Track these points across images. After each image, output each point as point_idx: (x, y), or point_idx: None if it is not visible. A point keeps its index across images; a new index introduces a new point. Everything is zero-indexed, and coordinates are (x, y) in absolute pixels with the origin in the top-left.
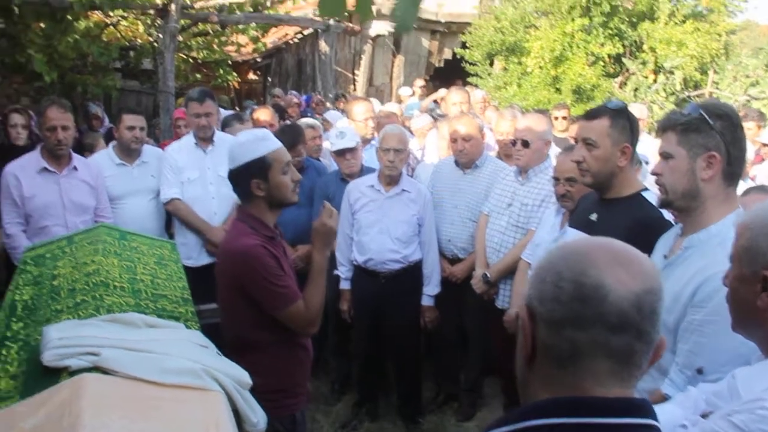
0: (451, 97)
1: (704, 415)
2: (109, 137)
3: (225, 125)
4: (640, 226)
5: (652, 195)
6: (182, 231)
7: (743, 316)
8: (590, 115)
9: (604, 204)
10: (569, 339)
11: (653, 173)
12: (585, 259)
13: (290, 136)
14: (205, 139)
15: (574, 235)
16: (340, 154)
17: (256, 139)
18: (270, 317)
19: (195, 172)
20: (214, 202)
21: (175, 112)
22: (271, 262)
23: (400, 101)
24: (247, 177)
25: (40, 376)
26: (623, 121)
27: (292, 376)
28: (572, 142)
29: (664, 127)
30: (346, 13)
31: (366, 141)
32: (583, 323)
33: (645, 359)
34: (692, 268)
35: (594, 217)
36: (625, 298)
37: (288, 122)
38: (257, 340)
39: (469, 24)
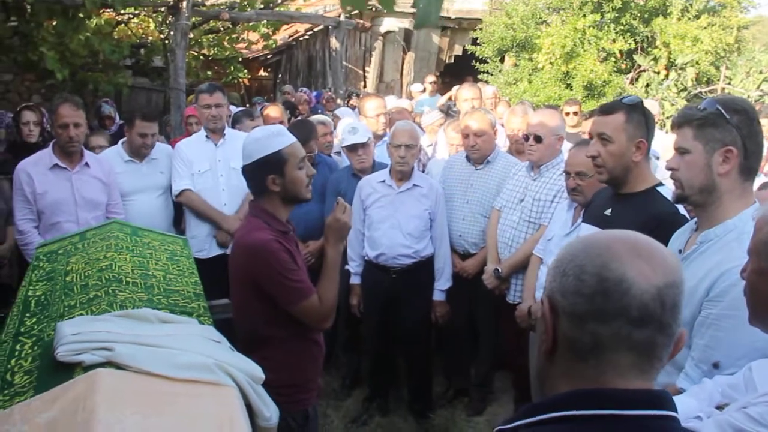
0: (463, 93)
1: (719, 407)
2: (119, 135)
3: (235, 122)
4: (656, 221)
5: (667, 190)
6: (192, 224)
7: (761, 309)
8: (605, 110)
9: (618, 199)
10: (592, 332)
11: (669, 168)
12: (607, 252)
13: (302, 132)
14: (215, 132)
15: (588, 231)
16: (351, 149)
17: (272, 134)
18: (284, 312)
19: (205, 164)
20: (224, 194)
21: (187, 109)
22: (285, 257)
23: (411, 97)
24: (262, 172)
25: (54, 372)
26: (638, 116)
27: (304, 371)
28: (584, 137)
29: (680, 122)
30: (356, 11)
31: (378, 137)
32: (606, 317)
33: (666, 352)
34: (708, 263)
35: (609, 212)
36: (647, 291)
37: (299, 118)
38: (271, 335)
39: (479, 20)
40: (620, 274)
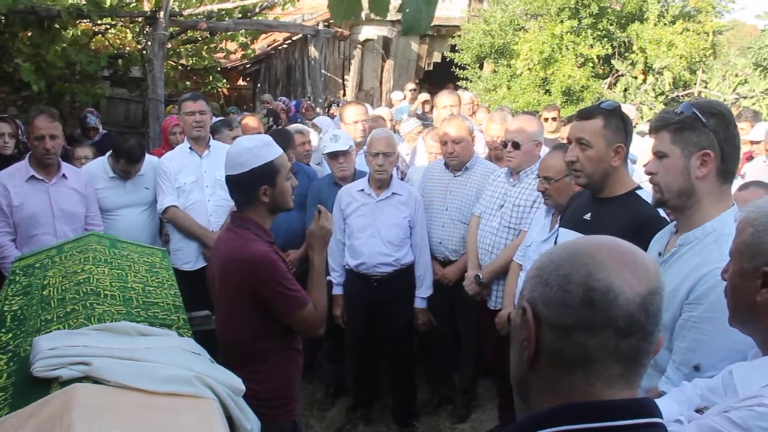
0: (441, 100)
1: (699, 410)
2: (102, 145)
3: (214, 131)
4: (636, 225)
5: (646, 193)
6: (177, 237)
7: (741, 311)
8: (583, 115)
9: (597, 203)
10: (578, 344)
11: (647, 172)
12: (592, 261)
13: (280, 141)
14: (199, 141)
15: (567, 236)
16: (333, 157)
17: (264, 144)
18: (276, 324)
19: (191, 176)
20: (210, 205)
21: (168, 119)
22: (283, 267)
23: (391, 105)
24: (255, 182)
25: (30, 388)
26: (617, 120)
27: (292, 381)
28: (563, 142)
29: (657, 127)
30: (351, 19)
31: (358, 145)
32: (593, 328)
33: (649, 359)
34: (687, 266)
35: (588, 216)
36: (632, 301)
37: (278, 128)
38: (262, 348)
39: (458, 27)
40: (607, 284)
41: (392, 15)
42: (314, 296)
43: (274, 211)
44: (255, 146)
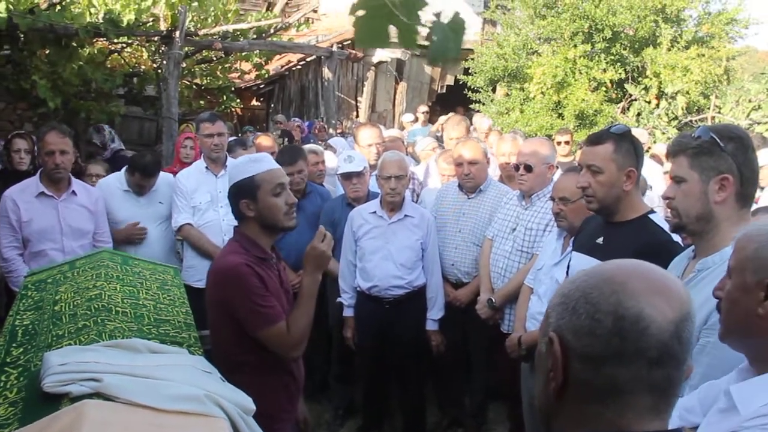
0: (449, 132)
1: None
2: (116, 161)
3: (229, 151)
4: (649, 249)
5: (659, 217)
6: (190, 254)
7: (740, 325)
8: (593, 141)
9: (610, 227)
10: (608, 375)
11: (665, 197)
12: (621, 288)
13: (290, 154)
14: (216, 163)
15: (579, 260)
16: (347, 177)
17: (249, 161)
18: (251, 339)
19: (206, 196)
20: (224, 225)
21: (182, 134)
22: (254, 281)
23: (403, 128)
24: (237, 197)
25: (41, 403)
26: (627, 144)
27: (276, 400)
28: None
29: (675, 151)
30: (348, 41)
31: (372, 167)
32: (623, 359)
33: (680, 387)
34: (706, 291)
35: (600, 240)
36: (665, 329)
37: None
38: (242, 361)
39: (471, 50)
40: (637, 312)
41: None
42: (293, 317)
43: (266, 227)
44: (241, 162)
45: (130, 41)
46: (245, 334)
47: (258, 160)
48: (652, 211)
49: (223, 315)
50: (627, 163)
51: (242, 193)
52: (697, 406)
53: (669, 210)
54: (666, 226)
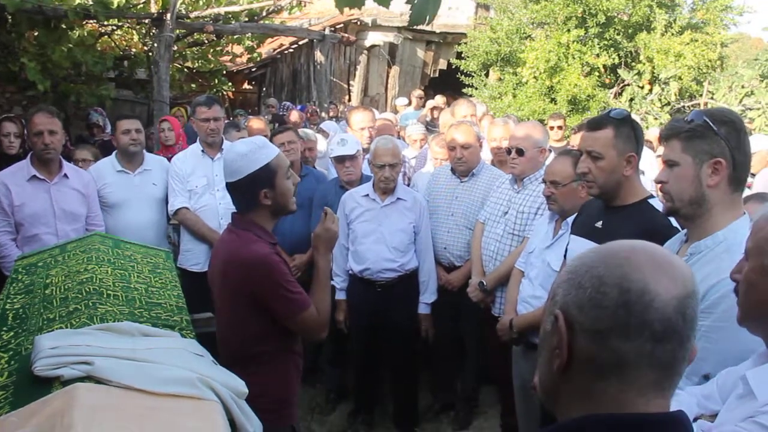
0: (460, 109)
1: (696, 419)
2: (105, 148)
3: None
4: (648, 234)
5: (658, 202)
6: (188, 238)
7: (757, 308)
8: (593, 126)
9: (609, 211)
10: (613, 349)
11: (658, 181)
12: (626, 262)
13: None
14: (212, 146)
15: (578, 243)
16: (339, 161)
17: (257, 147)
18: (277, 327)
19: (203, 179)
20: (221, 208)
21: (163, 117)
22: (285, 269)
23: (396, 111)
24: (254, 187)
25: (32, 387)
26: (627, 129)
27: (290, 386)
28: (569, 148)
29: (668, 135)
30: (341, 24)
31: (365, 150)
32: (628, 332)
33: (684, 366)
34: (698, 275)
35: (600, 224)
36: (669, 303)
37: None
38: (261, 351)
39: (464, 35)
40: (642, 286)
41: (399, 21)
42: (317, 299)
43: (276, 213)
44: (249, 150)
45: (120, 24)
46: (269, 324)
47: (264, 146)
48: (651, 196)
49: (247, 306)
50: (627, 148)
51: (260, 183)
52: (716, 392)
53: (662, 194)
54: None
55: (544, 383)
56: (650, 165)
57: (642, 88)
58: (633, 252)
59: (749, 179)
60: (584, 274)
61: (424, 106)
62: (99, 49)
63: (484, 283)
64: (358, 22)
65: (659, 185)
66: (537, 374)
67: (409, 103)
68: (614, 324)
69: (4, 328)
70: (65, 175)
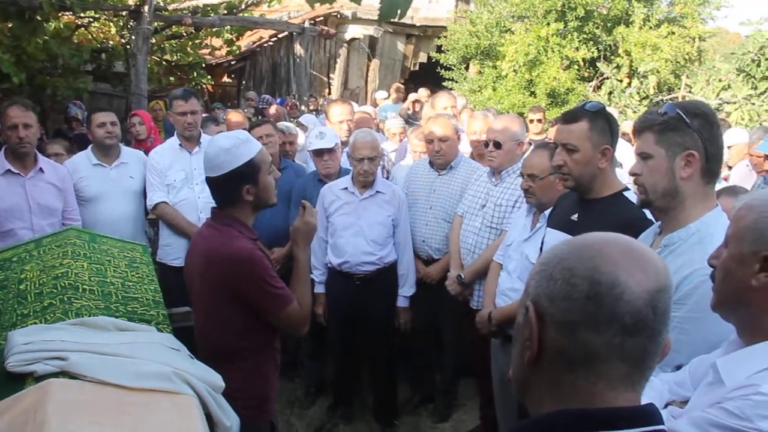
0: (440, 101)
1: (667, 405)
2: (81, 142)
3: (201, 127)
4: (624, 226)
5: (633, 195)
6: (167, 233)
7: (732, 296)
8: (568, 119)
9: (584, 204)
10: (583, 341)
11: (632, 174)
12: (598, 254)
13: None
14: (190, 140)
15: (554, 236)
16: (318, 154)
17: (241, 142)
18: (257, 323)
19: (181, 173)
20: (200, 202)
21: (133, 111)
22: (268, 265)
23: (376, 105)
24: (237, 183)
25: (5, 383)
26: (602, 122)
27: (269, 381)
28: (547, 141)
29: (641, 128)
30: (321, 17)
31: (344, 143)
32: (598, 324)
33: (656, 361)
34: (671, 266)
35: (575, 217)
36: (640, 297)
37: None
38: (243, 348)
39: (444, 28)
40: (613, 278)
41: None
42: (299, 293)
43: (257, 208)
44: (232, 145)
45: (97, 16)
46: (251, 320)
47: (247, 140)
48: (626, 189)
49: (230, 303)
50: (602, 141)
51: (244, 179)
52: (688, 380)
53: (636, 186)
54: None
55: (516, 375)
56: (627, 157)
57: (621, 81)
58: (605, 244)
59: (726, 172)
60: (555, 266)
61: (404, 99)
62: (75, 41)
63: (462, 276)
64: (338, 15)
65: (633, 177)
66: (511, 366)
67: (388, 97)
68: (584, 316)
69: None
70: (41, 170)
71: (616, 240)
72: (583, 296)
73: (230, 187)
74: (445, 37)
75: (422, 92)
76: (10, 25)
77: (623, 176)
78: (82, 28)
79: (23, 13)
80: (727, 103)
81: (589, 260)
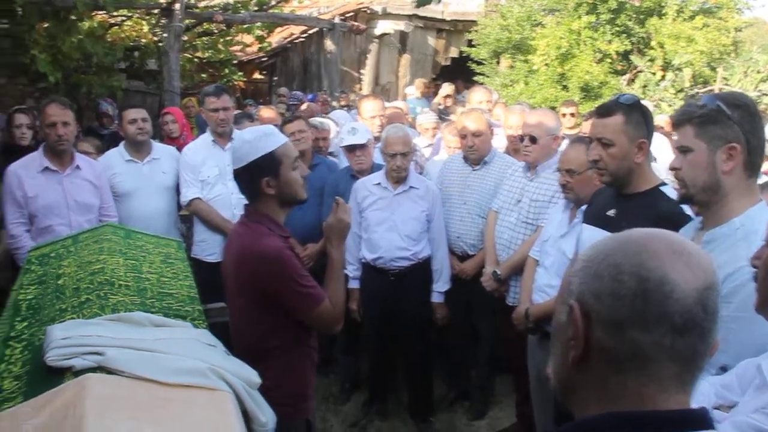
0: (475, 96)
1: (715, 409)
2: (114, 140)
3: (234, 123)
4: (662, 222)
5: (670, 189)
6: (201, 229)
7: None
8: (603, 112)
9: (621, 199)
10: (631, 341)
11: (671, 168)
12: (644, 250)
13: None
14: (222, 136)
15: (590, 232)
16: (350, 150)
17: (263, 135)
18: (290, 321)
19: (214, 169)
20: (234, 198)
21: (165, 109)
22: (297, 264)
23: (406, 100)
24: (256, 175)
25: (44, 377)
26: (637, 115)
27: (305, 379)
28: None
29: (680, 121)
30: (351, 13)
31: (376, 139)
32: (647, 323)
33: (706, 361)
34: (715, 263)
35: (612, 212)
36: (689, 295)
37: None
38: (275, 346)
39: (475, 22)
40: (661, 275)
41: (409, 9)
42: (331, 291)
43: (284, 203)
44: (254, 138)
45: (129, 14)
46: (282, 318)
47: (270, 134)
48: (663, 183)
49: (259, 301)
50: (638, 135)
51: (263, 171)
52: (735, 383)
53: (676, 181)
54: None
55: (558, 375)
56: (662, 151)
57: (655, 74)
58: (651, 240)
59: (765, 165)
60: (600, 263)
61: (435, 93)
62: (109, 40)
63: (498, 273)
64: (368, 11)
65: (673, 172)
66: (550, 364)
67: (416, 90)
68: (632, 314)
69: (18, 319)
70: (77, 166)
71: (661, 236)
72: (631, 293)
73: (250, 179)
74: (476, 31)
75: (448, 87)
76: (46, 26)
77: (658, 171)
78: (116, 27)
79: (58, 13)
80: (766, 94)
81: (636, 256)
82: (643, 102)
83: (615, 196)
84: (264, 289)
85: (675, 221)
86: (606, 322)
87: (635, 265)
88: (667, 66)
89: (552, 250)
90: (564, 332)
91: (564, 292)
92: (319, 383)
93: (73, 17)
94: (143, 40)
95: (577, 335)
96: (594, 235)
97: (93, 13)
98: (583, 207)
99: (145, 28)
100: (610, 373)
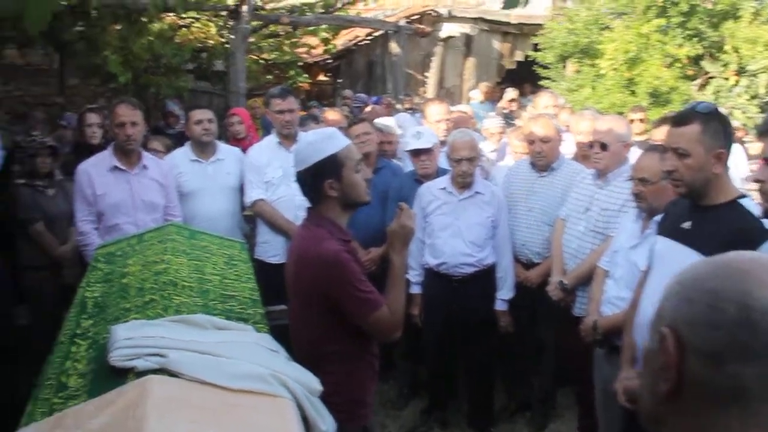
0: (541, 101)
1: None
2: (181, 140)
3: (300, 125)
4: (741, 236)
5: (750, 202)
6: (265, 230)
7: None
8: (679, 121)
9: (698, 211)
10: (732, 375)
11: (756, 180)
12: (748, 277)
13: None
14: (288, 138)
15: (665, 245)
16: (415, 154)
17: (325, 137)
18: (348, 326)
19: (278, 171)
20: (298, 200)
21: (232, 110)
22: (356, 268)
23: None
24: (319, 177)
25: (108, 376)
26: (715, 124)
27: (363, 386)
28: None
29: (764, 131)
30: (416, 16)
31: (442, 143)
32: (751, 356)
33: None
34: None
35: (687, 225)
36: None
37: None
38: (333, 351)
39: (541, 26)
40: (767, 303)
41: (475, 12)
42: (391, 298)
43: (347, 205)
44: (316, 140)
45: (198, 16)
46: (341, 323)
47: (333, 136)
48: (743, 196)
49: (318, 305)
50: (716, 145)
51: (325, 173)
52: None
53: (761, 194)
54: (758, 212)
55: (647, 408)
56: (735, 161)
57: (728, 80)
58: (751, 264)
59: None
60: (694, 288)
61: (499, 98)
62: (177, 41)
63: (565, 282)
64: (434, 14)
65: (759, 185)
66: (638, 391)
67: (479, 94)
68: (732, 346)
69: (84, 316)
70: (145, 166)
71: (760, 259)
72: (731, 323)
73: (313, 181)
74: (542, 34)
75: (512, 92)
76: (118, 27)
77: (734, 180)
78: (184, 29)
79: (130, 15)
80: None
81: (738, 283)
82: (719, 110)
83: (691, 208)
84: (323, 293)
85: (755, 237)
86: (701, 353)
87: (737, 292)
88: (741, 71)
89: (622, 261)
90: (653, 361)
91: (656, 319)
92: (377, 388)
93: (143, 19)
94: (211, 42)
95: (668, 365)
96: (670, 248)
97: (163, 15)
98: (657, 217)
99: (213, 30)
100: (708, 409)
